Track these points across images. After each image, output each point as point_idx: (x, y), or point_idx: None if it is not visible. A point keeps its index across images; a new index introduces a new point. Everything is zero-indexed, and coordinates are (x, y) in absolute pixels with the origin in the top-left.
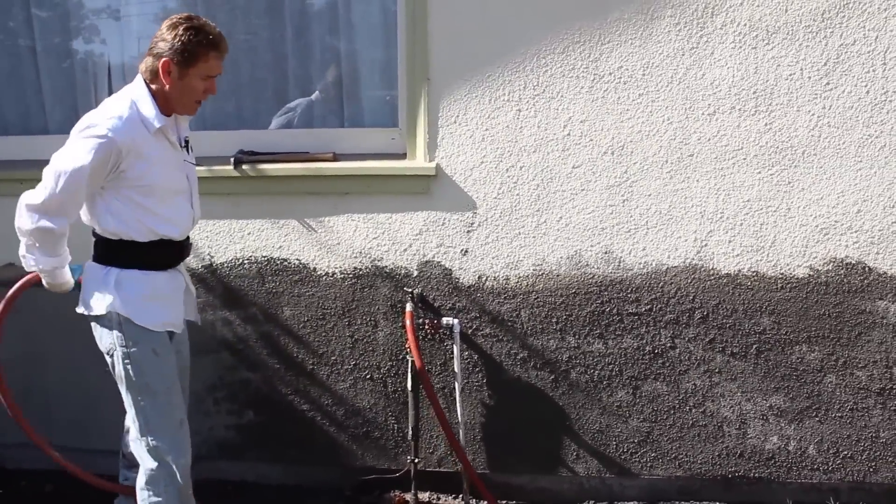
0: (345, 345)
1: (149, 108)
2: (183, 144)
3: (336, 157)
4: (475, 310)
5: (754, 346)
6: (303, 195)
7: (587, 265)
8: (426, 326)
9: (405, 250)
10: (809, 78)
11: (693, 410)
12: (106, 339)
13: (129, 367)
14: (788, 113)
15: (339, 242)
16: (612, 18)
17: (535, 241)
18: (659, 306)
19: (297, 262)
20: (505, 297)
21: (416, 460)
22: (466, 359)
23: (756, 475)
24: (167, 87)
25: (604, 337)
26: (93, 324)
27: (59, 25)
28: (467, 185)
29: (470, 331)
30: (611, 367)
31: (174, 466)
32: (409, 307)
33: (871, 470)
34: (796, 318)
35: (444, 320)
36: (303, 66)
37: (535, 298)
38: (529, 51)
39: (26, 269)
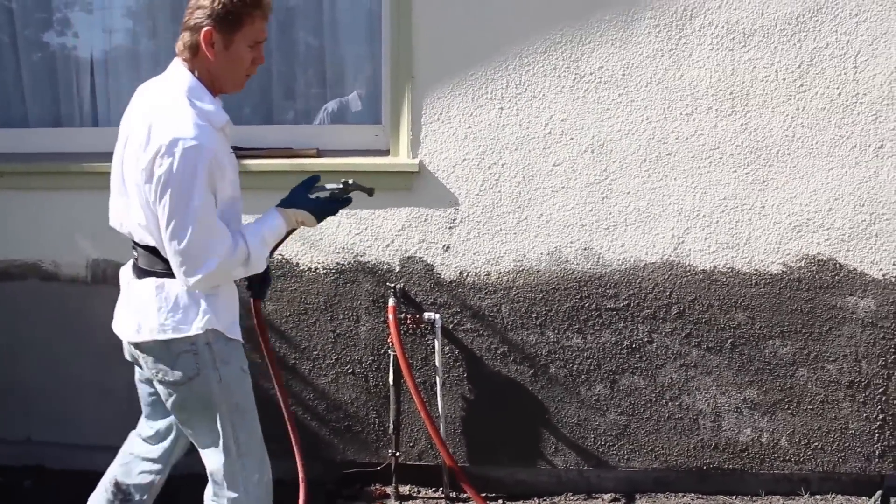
0: (327, 340)
1: (207, 101)
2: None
3: (319, 154)
4: (456, 305)
5: (729, 341)
6: (286, 191)
7: (567, 261)
8: (408, 321)
9: (387, 246)
10: (784, 80)
11: (669, 404)
12: (189, 363)
13: (221, 392)
14: (764, 113)
15: (322, 238)
16: (593, 19)
17: (516, 238)
18: (637, 302)
19: (279, 257)
20: (486, 293)
21: (397, 454)
22: (447, 353)
23: (730, 466)
24: (212, 61)
25: (582, 332)
26: (161, 348)
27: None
28: (450, 181)
29: (451, 326)
30: (589, 361)
31: (261, 488)
32: (391, 302)
33: (841, 460)
34: (770, 313)
35: (426, 315)
36: (286, 63)
37: (516, 294)
38: (512, 50)
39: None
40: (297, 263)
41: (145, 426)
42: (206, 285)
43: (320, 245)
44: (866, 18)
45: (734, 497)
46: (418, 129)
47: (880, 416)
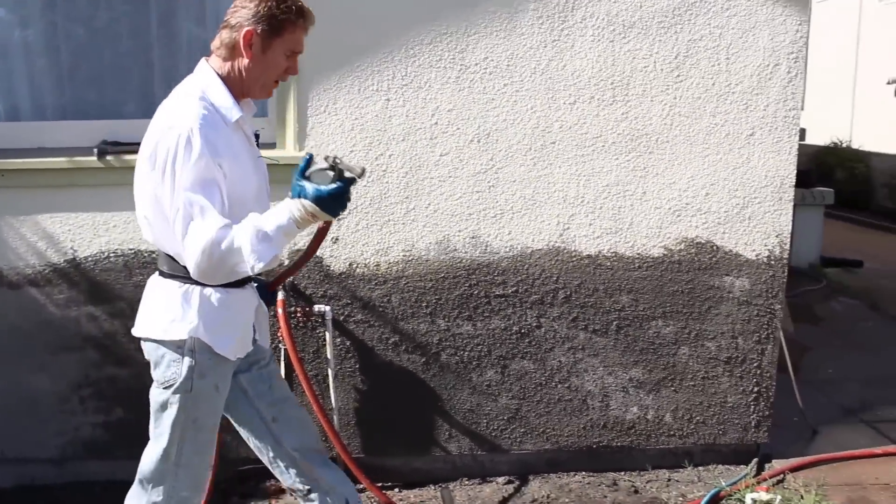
0: None
1: (223, 97)
2: (254, 140)
3: None
4: (347, 296)
5: (614, 323)
6: None
7: (455, 250)
8: (298, 314)
9: None
10: (662, 70)
11: (559, 386)
12: (170, 368)
13: (185, 401)
14: (643, 103)
15: None
16: (478, 11)
17: (405, 228)
18: (524, 288)
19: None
20: (376, 283)
21: None
22: (339, 345)
23: (618, 444)
24: (247, 62)
25: (472, 319)
26: (153, 347)
27: None
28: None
29: (342, 317)
30: (480, 347)
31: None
32: (280, 295)
33: (721, 432)
34: (652, 295)
35: (317, 308)
36: (169, 55)
37: (406, 283)
38: (397, 42)
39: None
40: None
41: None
42: (206, 275)
43: None
44: (737, 13)
45: (623, 473)
46: (304, 122)
47: (755, 389)
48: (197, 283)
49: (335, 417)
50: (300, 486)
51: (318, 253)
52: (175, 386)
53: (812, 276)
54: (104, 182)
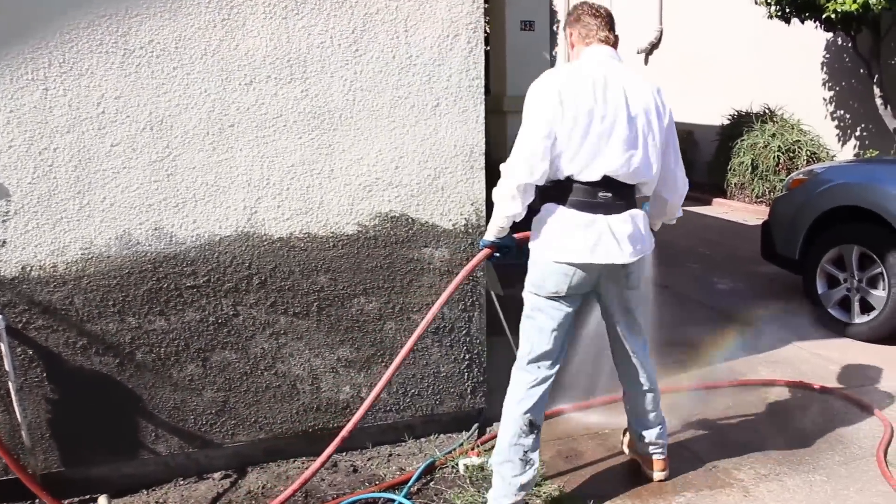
0: None
1: None
2: None
3: None
4: (23, 303)
5: (315, 304)
6: None
7: (138, 243)
8: None
9: None
10: (340, 45)
11: (265, 373)
12: (649, 268)
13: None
14: (323, 79)
15: None
16: None
17: (81, 225)
18: (217, 276)
19: None
20: (55, 286)
21: None
22: (21, 355)
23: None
24: None
25: (165, 313)
26: (639, 262)
27: None
28: None
29: (20, 325)
30: (176, 342)
31: None
32: None
33: (438, 402)
34: (351, 272)
35: None
36: None
37: (88, 283)
38: (50, 27)
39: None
40: None
41: (556, 359)
42: None
43: None
44: None
45: (345, 453)
46: None
47: (467, 357)
48: None
49: (25, 433)
50: None
51: None
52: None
53: None
54: None
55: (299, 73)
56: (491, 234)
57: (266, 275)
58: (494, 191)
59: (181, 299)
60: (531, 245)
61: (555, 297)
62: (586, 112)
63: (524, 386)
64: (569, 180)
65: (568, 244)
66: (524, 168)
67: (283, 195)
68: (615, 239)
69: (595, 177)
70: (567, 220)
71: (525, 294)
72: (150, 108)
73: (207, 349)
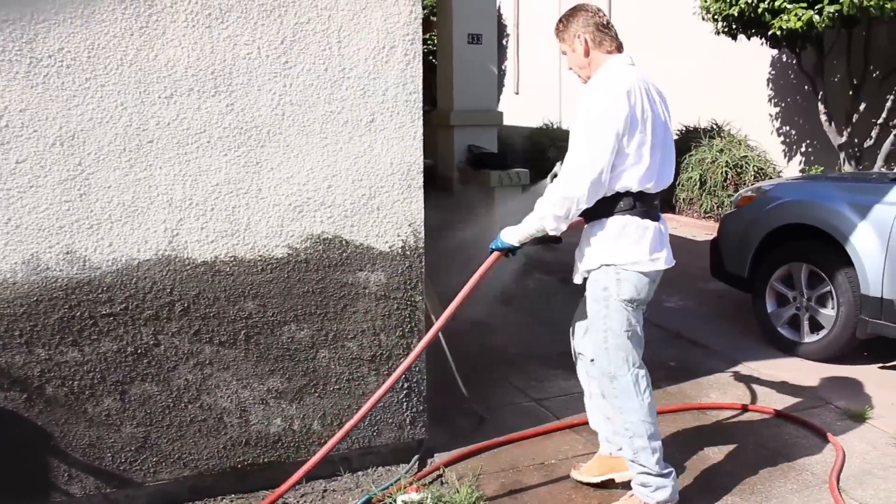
0: None
1: None
2: None
3: None
4: None
5: (242, 332)
6: None
7: (48, 268)
8: None
9: None
10: (268, 56)
11: (189, 406)
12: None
13: None
14: (250, 93)
15: None
16: None
17: None
18: (135, 303)
19: None
20: None
21: None
22: None
23: (266, 460)
24: None
25: (78, 344)
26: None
27: None
28: None
29: None
30: (91, 374)
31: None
32: None
33: (375, 433)
34: (281, 298)
35: None
36: None
37: None
38: None
39: None
40: None
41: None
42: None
43: None
44: None
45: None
46: None
47: (405, 386)
48: None
49: None
50: None
51: None
52: None
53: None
54: None
55: (224, 86)
56: (515, 239)
57: (189, 301)
58: (543, 201)
59: (96, 328)
60: (601, 260)
61: (640, 303)
62: (650, 124)
63: (641, 387)
64: (627, 191)
65: (654, 254)
66: (587, 190)
67: (206, 216)
68: (668, 244)
69: (662, 187)
70: (645, 230)
71: (615, 312)
72: (61, 122)
73: (126, 381)
